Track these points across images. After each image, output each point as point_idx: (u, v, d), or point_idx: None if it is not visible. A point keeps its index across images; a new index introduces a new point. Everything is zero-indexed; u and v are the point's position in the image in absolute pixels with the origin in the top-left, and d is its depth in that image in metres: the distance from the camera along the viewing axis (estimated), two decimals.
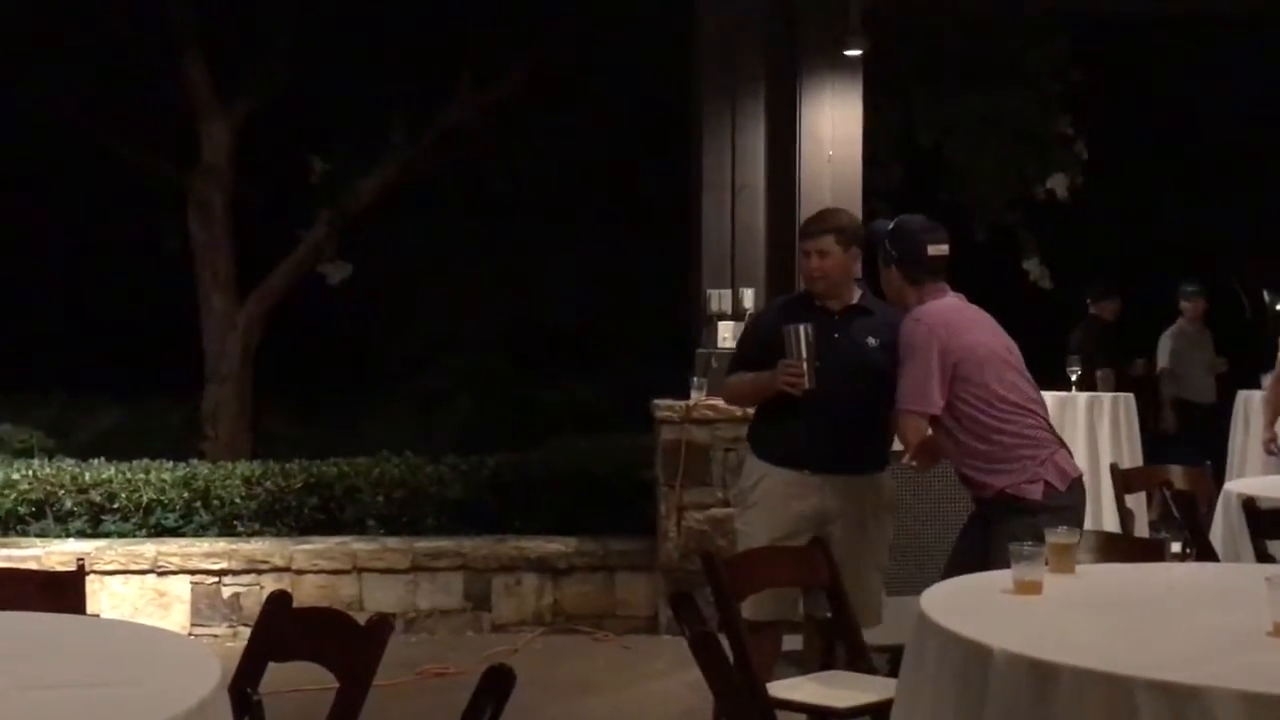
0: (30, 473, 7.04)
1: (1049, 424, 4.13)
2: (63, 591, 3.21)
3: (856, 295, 4.51)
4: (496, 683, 2.41)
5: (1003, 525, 3.86)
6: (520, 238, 11.32)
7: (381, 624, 2.71)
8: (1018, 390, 4.05)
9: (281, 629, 2.89)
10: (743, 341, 4.80)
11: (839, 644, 3.87)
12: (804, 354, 4.28)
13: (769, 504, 4.45)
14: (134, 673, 2.46)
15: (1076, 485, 4.06)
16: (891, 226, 4.26)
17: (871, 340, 4.42)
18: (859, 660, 3.68)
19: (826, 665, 4.01)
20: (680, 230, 7.47)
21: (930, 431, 4.11)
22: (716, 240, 6.70)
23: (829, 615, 3.86)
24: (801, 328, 4.31)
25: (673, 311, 8.15)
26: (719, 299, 6.59)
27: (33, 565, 6.03)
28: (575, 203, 10.92)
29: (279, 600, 2.95)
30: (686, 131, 7.28)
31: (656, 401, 6.50)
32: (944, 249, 4.17)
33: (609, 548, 6.66)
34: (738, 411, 5.57)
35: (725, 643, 3.24)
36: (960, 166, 9.55)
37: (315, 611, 3.13)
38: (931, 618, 2.78)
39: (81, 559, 3.59)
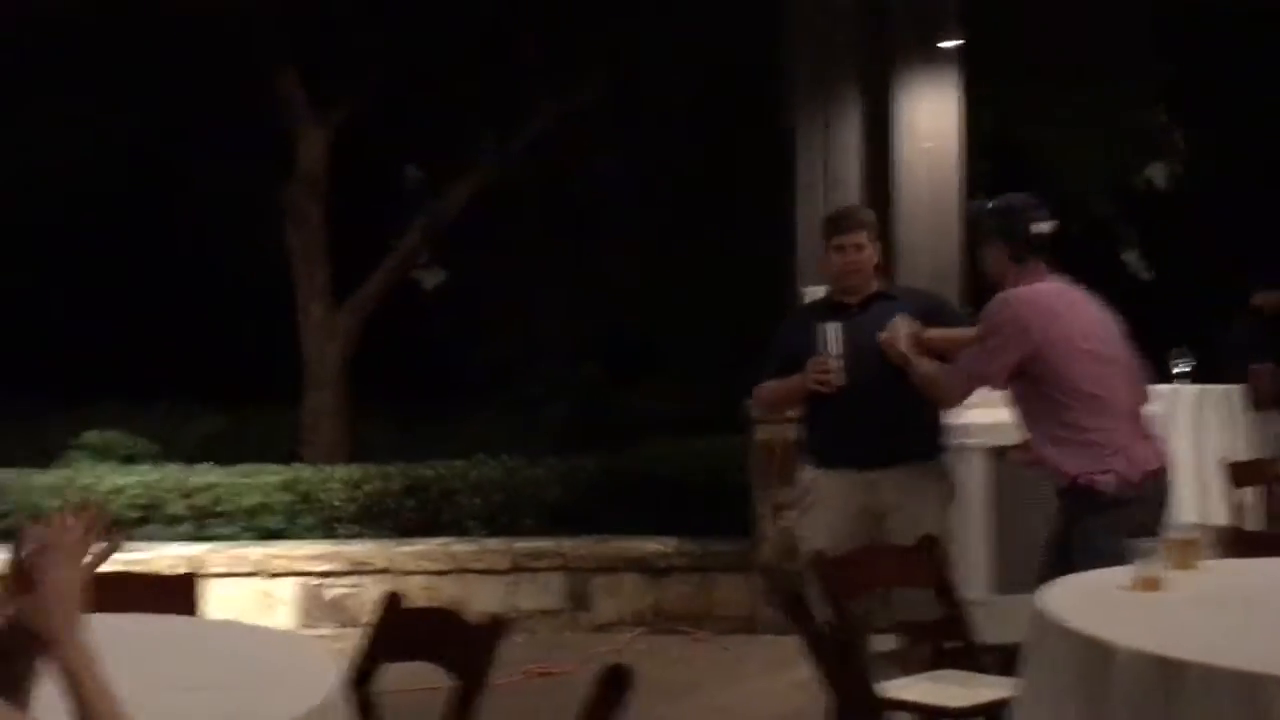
0: (137, 478, 7.20)
1: (1137, 416, 4.05)
2: (174, 595, 3.26)
3: (875, 285, 4.54)
4: (615, 683, 2.41)
5: (1080, 524, 3.85)
6: (609, 242, 11.33)
7: (496, 623, 2.74)
8: (1101, 383, 3.98)
9: (396, 629, 2.92)
10: (771, 351, 4.76)
11: (949, 642, 3.82)
12: (833, 351, 4.30)
13: (823, 507, 4.44)
14: (258, 672, 2.50)
15: (1153, 478, 3.98)
16: (993, 204, 4.24)
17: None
18: (971, 659, 3.64)
19: (935, 665, 3.96)
20: (771, 231, 7.42)
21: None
22: (812, 239, 6.64)
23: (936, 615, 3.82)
24: (830, 326, 4.34)
25: (762, 312, 8.09)
26: (814, 297, 6.52)
27: (140, 570, 6.15)
28: (664, 206, 10.91)
29: (392, 601, 2.98)
30: (775, 130, 7.23)
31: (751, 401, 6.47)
32: (1046, 227, 4.13)
33: (707, 548, 6.64)
34: None
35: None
36: (1053, 158, 9.41)
37: (430, 611, 3.17)
38: (1050, 616, 2.74)
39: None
